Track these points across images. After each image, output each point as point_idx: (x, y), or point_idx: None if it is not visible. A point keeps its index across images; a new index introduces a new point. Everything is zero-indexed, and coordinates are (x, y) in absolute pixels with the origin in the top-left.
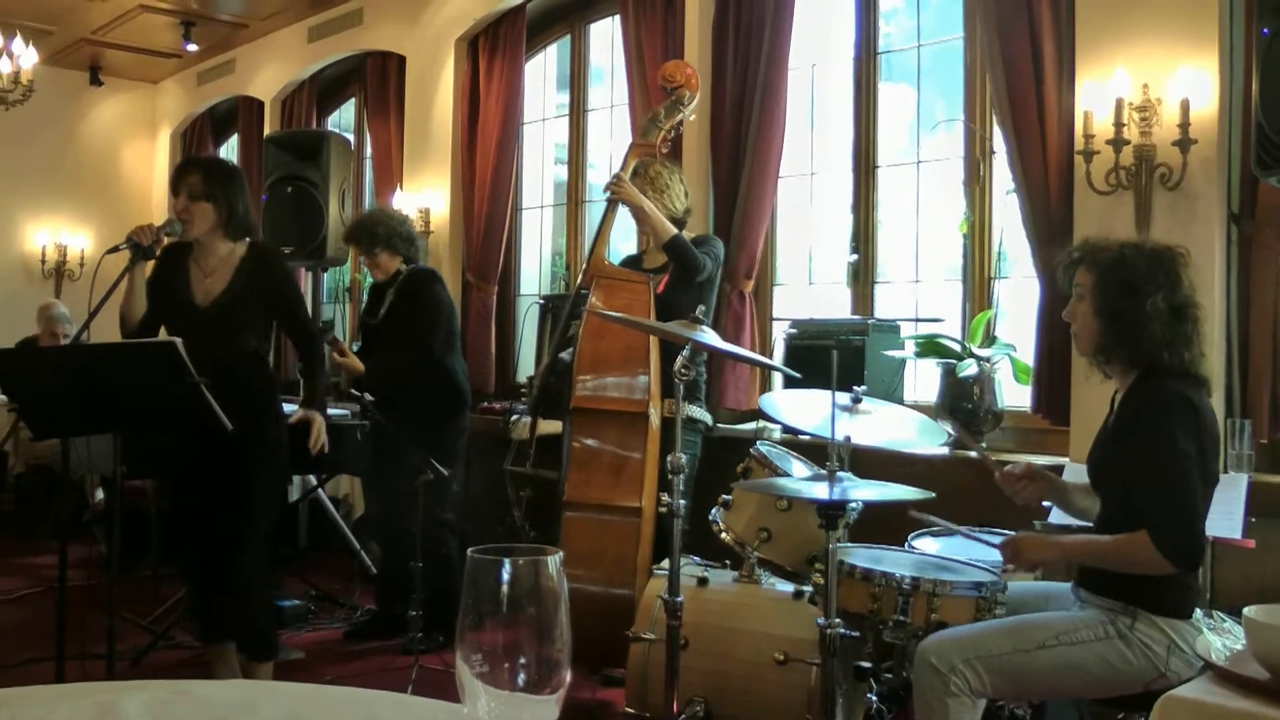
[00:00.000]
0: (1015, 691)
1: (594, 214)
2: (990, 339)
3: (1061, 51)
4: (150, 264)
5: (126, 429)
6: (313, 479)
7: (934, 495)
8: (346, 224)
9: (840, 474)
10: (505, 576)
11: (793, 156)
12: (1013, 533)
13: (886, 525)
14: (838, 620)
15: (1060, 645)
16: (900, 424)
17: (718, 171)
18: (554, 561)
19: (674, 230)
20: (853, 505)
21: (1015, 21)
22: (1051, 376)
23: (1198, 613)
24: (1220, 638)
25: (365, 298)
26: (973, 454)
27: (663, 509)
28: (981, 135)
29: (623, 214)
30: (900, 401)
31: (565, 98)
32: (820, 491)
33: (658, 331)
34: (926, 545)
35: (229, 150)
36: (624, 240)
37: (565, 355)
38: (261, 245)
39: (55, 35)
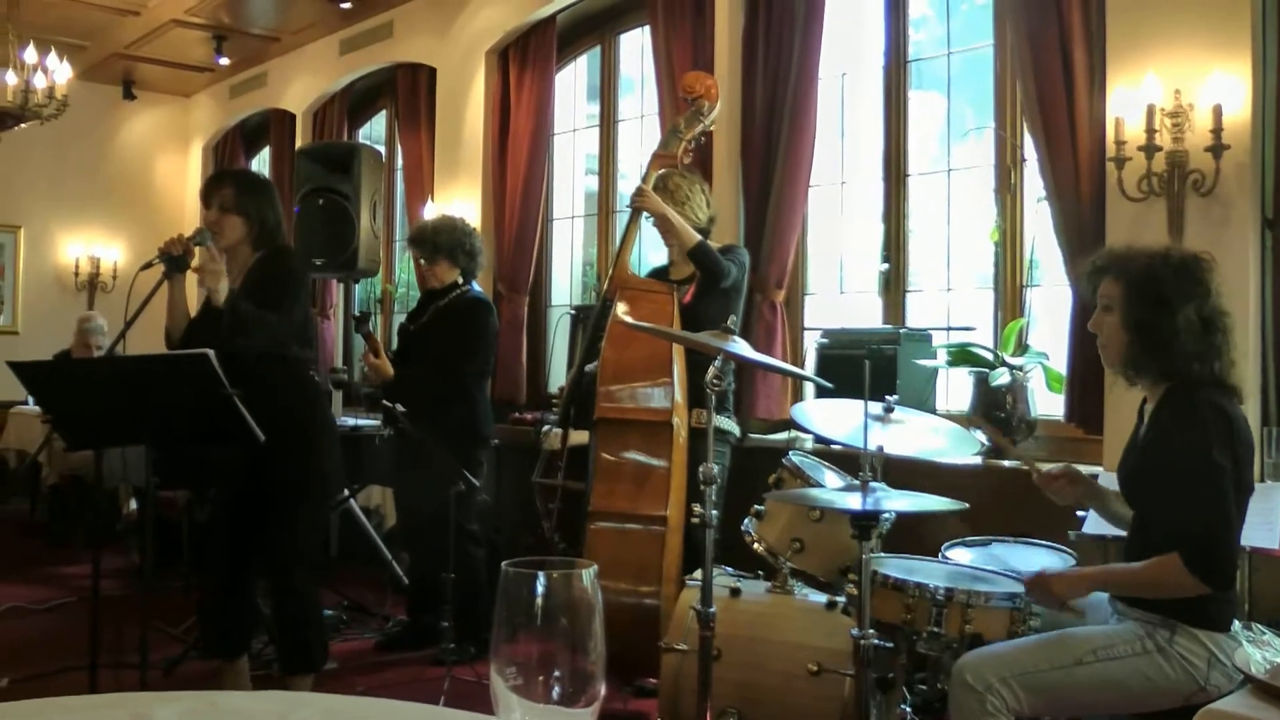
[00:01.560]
0: (1052, 709)
1: (624, 224)
2: (1023, 347)
3: (1092, 58)
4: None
5: (160, 440)
6: (344, 490)
7: (967, 506)
8: (404, 232)
9: (873, 484)
10: (540, 589)
11: (823, 165)
12: (1044, 545)
13: (920, 535)
14: (871, 631)
15: (1098, 661)
16: (933, 433)
17: (748, 181)
18: (588, 574)
19: (698, 237)
20: (886, 515)
21: (1045, 28)
22: (1084, 384)
23: (1236, 624)
24: (1260, 650)
25: (395, 306)
26: (1006, 464)
27: (695, 520)
28: (1012, 143)
29: (650, 226)
30: (932, 411)
31: (595, 108)
32: (853, 502)
33: (690, 342)
34: (960, 556)
35: (260, 163)
36: (656, 250)
37: (591, 366)
38: (275, 248)
39: (89, 50)
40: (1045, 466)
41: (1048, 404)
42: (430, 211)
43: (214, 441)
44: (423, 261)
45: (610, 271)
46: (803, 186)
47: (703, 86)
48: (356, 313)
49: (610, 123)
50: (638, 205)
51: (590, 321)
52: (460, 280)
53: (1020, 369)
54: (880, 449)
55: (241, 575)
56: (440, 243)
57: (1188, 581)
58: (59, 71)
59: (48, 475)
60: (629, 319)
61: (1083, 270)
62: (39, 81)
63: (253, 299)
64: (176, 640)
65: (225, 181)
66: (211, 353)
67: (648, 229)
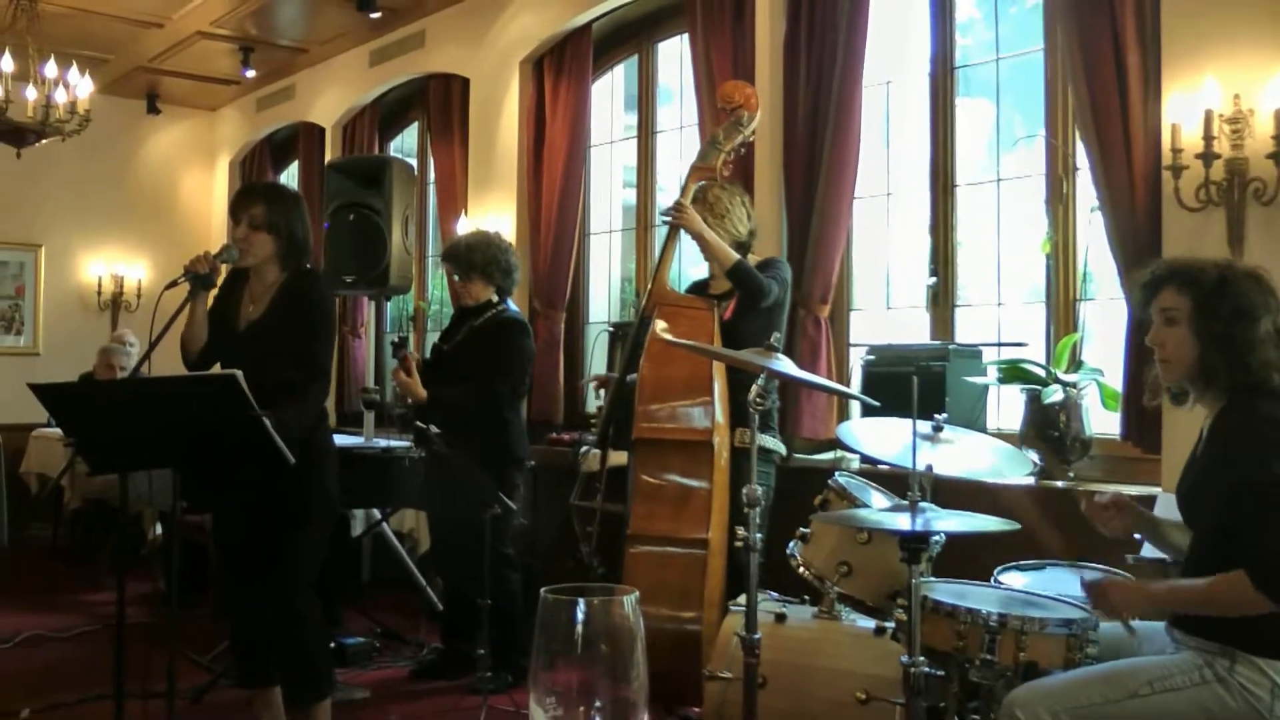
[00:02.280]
0: None
1: (663, 238)
2: (1076, 363)
3: (1147, 62)
4: (212, 293)
5: (186, 463)
6: (376, 513)
7: (1019, 527)
8: (437, 248)
9: (922, 505)
10: (580, 616)
11: (868, 176)
12: (1101, 569)
13: (971, 559)
14: (922, 658)
15: (1154, 693)
16: (983, 453)
17: (791, 193)
18: (629, 600)
19: (735, 256)
20: (936, 538)
21: (1098, 31)
22: (1141, 402)
23: None
24: None
25: (429, 324)
26: (1060, 484)
27: (738, 543)
28: (1064, 151)
29: (689, 239)
30: (983, 430)
31: (633, 119)
32: (902, 523)
33: (732, 359)
34: (1014, 580)
35: (289, 178)
36: (696, 264)
37: (629, 384)
38: (303, 269)
39: (112, 64)
40: (1099, 488)
41: (1103, 422)
42: (463, 226)
43: (240, 465)
44: (456, 278)
45: (649, 287)
46: (847, 198)
47: (742, 95)
48: (395, 338)
49: (648, 134)
50: (675, 221)
51: (630, 339)
52: (495, 298)
53: (1074, 386)
54: (929, 469)
55: (260, 601)
56: (475, 260)
57: (1254, 599)
58: (81, 86)
59: (70, 499)
60: (668, 336)
61: (1138, 281)
62: (60, 96)
63: (285, 327)
64: (204, 668)
65: (256, 197)
66: (240, 374)
67: (688, 242)
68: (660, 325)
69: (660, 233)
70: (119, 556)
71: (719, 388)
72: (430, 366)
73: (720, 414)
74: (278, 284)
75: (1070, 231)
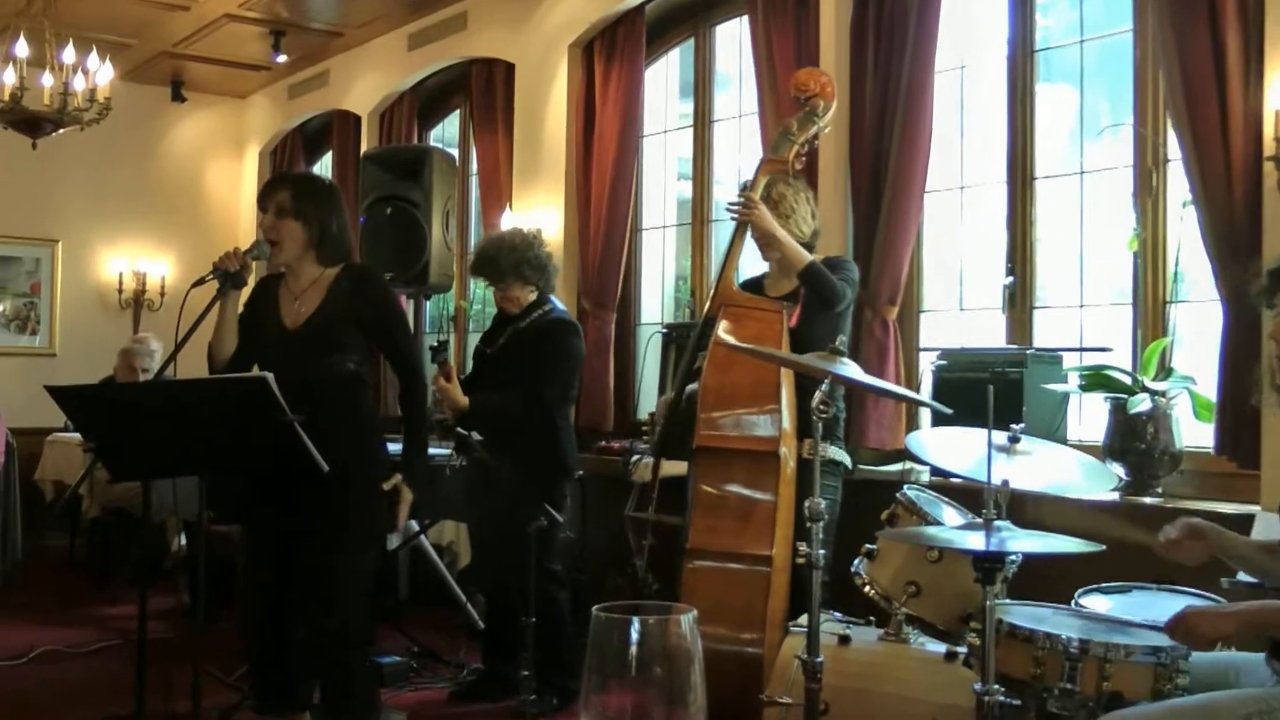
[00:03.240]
0: None
1: (720, 234)
2: (1166, 370)
3: (1248, 43)
4: (243, 294)
5: (213, 471)
6: (414, 525)
7: (1104, 548)
8: (471, 250)
9: (997, 522)
10: (634, 636)
11: (940, 168)
12: (1191, 593)
13: (1050, 580)
14: (996, 686)
15: None
16: (1064, 466)
17: (857, 187)
18: (687, 619)
19: (808, 257)
20: (1012, 557)
21: (1193, 10)
22: (1237, 412)
23: None
24: None
25: (470, 325)
26: (1148, 500)
27: (800, 560)
28: (1154, 141)
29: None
30: (1063, 441)
31: (689, 107)
32: (975, 541)
33: (794, 364)
34: (1097, 603)
35: (323, 169)
36: (756, 262)
37: (692, 387)
38: (358, 264)
39: (134, 49)
40: (1189, 506)
41: (1195, 434)
42: (508, 220)
43: (272, 471)
44: (493, 288)
45: (715, 287)
46: (917, 192)
47: (817, 84)
48: (434, 342)
49: (705, 123)
50: (744, 217)
51: (691, 342)
52: (536, 297)
53: (1163, 395)
54: (1005, 483)
55: (295, 620)
56: (504, 263)
57: None
58: (101, 72)
59: (88, 508)
60: (731, 340)
61: (1264, 269)
62: (79, 84)
63: (350, 324)
64: (231, 687)
65: (283, 184)
66: (270, 376)
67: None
68: (723, 328)
69: (718, 228)
70: (140, 568)
71: (786, 395)
72: (474, 372)
73: (787, 422)
74: (329, 279)
75: (1160, 227)
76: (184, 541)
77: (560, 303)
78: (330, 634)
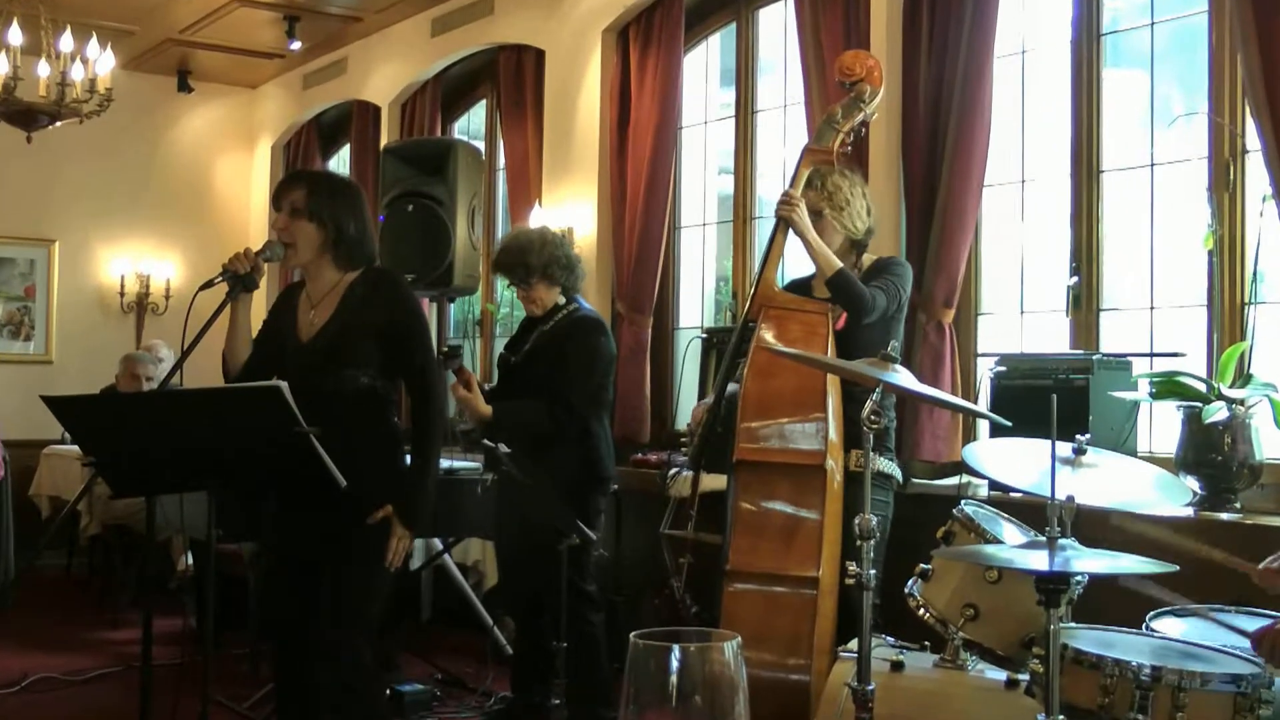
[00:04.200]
0: None
1: (765, 232)
2: (1245, 377)
3: None
4: (264, 300)
5: (222, 486)
6: (438, 543)
7: (1177, 568)
8: (495, 248)
9: (1061, 540)
10: (674, 664)
11: (1000, 161)
12: (1274, 615)
13: (1119, 603)
14: (1061, 717)
15: None
16: (1133, 480)
17: (910, 181)
18: (730, 646)
19: (838, 264)
20: (1077, 578)
21: None
22: None
23: None
24: None
25: (497, 330)
26: (1224, 517)
27: (849, 580)
28: (1231, 130)
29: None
30: (1133, 453)
31: (730, 96)
32: (1038, 561)
33: (842, 370)
34: (1170, 627)
35: (340, 163)
36: (799, 259)
37: (732, 393)
38: (379, 269)
39: (138, 36)
40: (1270, 522)
41: (1276, 445)
42: (537, 218)
43: (283, 488)
44: (516, 289)
45: (753, 288)
46: (975, 186)
47: (863, 68)
48: (445, 347)
49: (748, 113)
50: (784, 215)
51: (731, 347)
52: (562, 299)
53: (1241, 403)
54: (1070, 498)
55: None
56: (532, 262)
57: None
58: (101, 61)
59: (87, 525)
60: (773, 343)
61: None
62: (77, 73)
63: (366, 334)
64: (242, 716)
65: (298, 182)
66: (284, 385)
67: (795, 238)
68: (765, 332)
69: (761, 226)
70: (144, 589)
71: (833, 403)
72: (500, 382)
73: (834, 433)
74: (345, 284)
75: (1238, 224)
76: (191, 560)
77: (586, 303)
78: (342, 659)
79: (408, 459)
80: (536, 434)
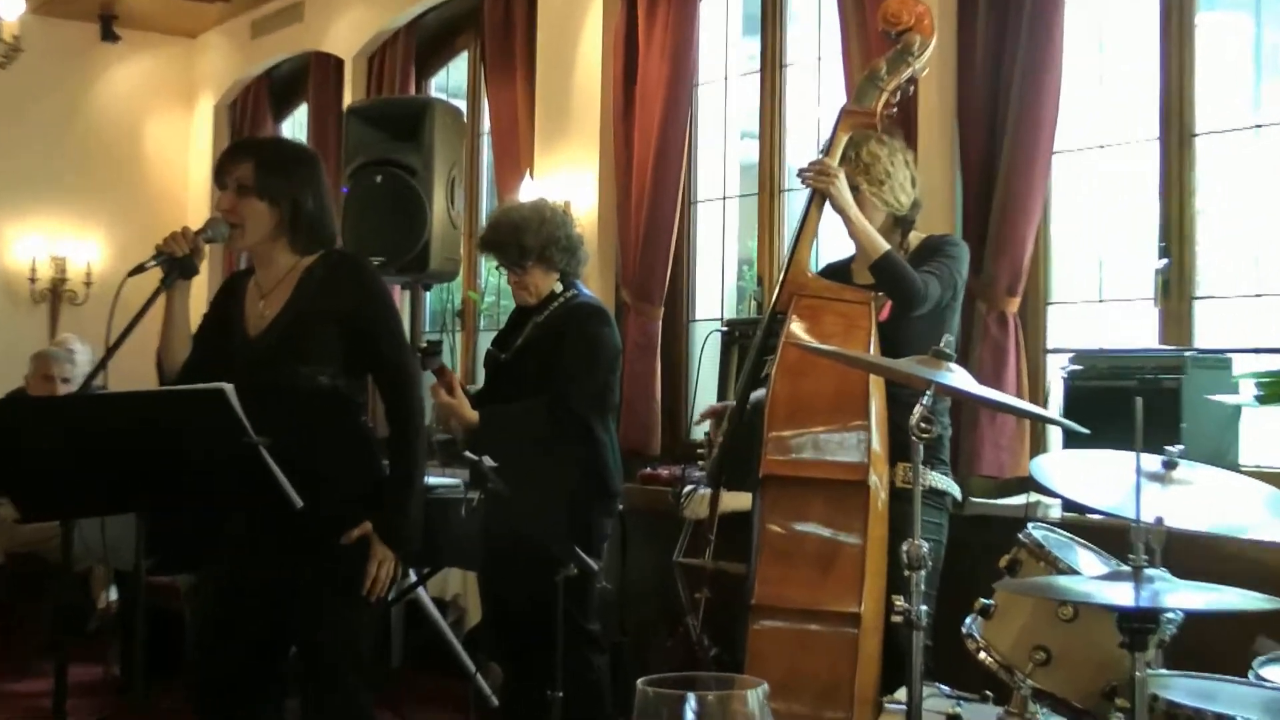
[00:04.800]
0: None
1: (794, 207)
2: None
3: None
4: (192, 284)
5: (154, 507)
6: (410, 574)
7: None
8: (481, 226)
9: (1149, 570)
10: (690, 715)
11: (1073, 123)
12: None
13: (1218, 645)
14: None
15: None
16: (1235, 499)
17: (967, 148)
18: (755, 695)
19: (884, 246)
20: (1169, 615)
21: None
22: None
23: None
24: None
25: (481, 322)
26: None
27: (896, 617)
28: None
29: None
30: (1234, 467)
31: (754, 47)
32: (1121, 595)
33: (886, 370)
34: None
35: (296, 127)
36: (832, 239)
37: (757, 397)
38: (340, 251)
39: None
40: None
41: None
42: (528, 190)
43: (229, 509)
44: (507, 273)
45: (782, 273)
46: (1043, 154)
47: (912, 15)
48: (423, 343)
49: (775, 67)
50: (820, 187)
51: (756, 342)
52: (560, 286)
53: None
54: (1159, 520)
55: (263, 690)
56: (528, 243)
57: None
58: (8, 5)
59: None
60: (806, 339)
61: None
62: None
63: (351, 335)
64: None
65: (244, 153)
66: (229, 388)
67: (831, 213)
68: (796, 325)
69: (791, 200)
70: (58, 631)
71: (876, 409)
72: (488, 382)
73: (878, 443)
74: (301, 270)
75: None
76: (115, 596)
77: (587, 289)
78: (327, 698)
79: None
80: (531, 442)
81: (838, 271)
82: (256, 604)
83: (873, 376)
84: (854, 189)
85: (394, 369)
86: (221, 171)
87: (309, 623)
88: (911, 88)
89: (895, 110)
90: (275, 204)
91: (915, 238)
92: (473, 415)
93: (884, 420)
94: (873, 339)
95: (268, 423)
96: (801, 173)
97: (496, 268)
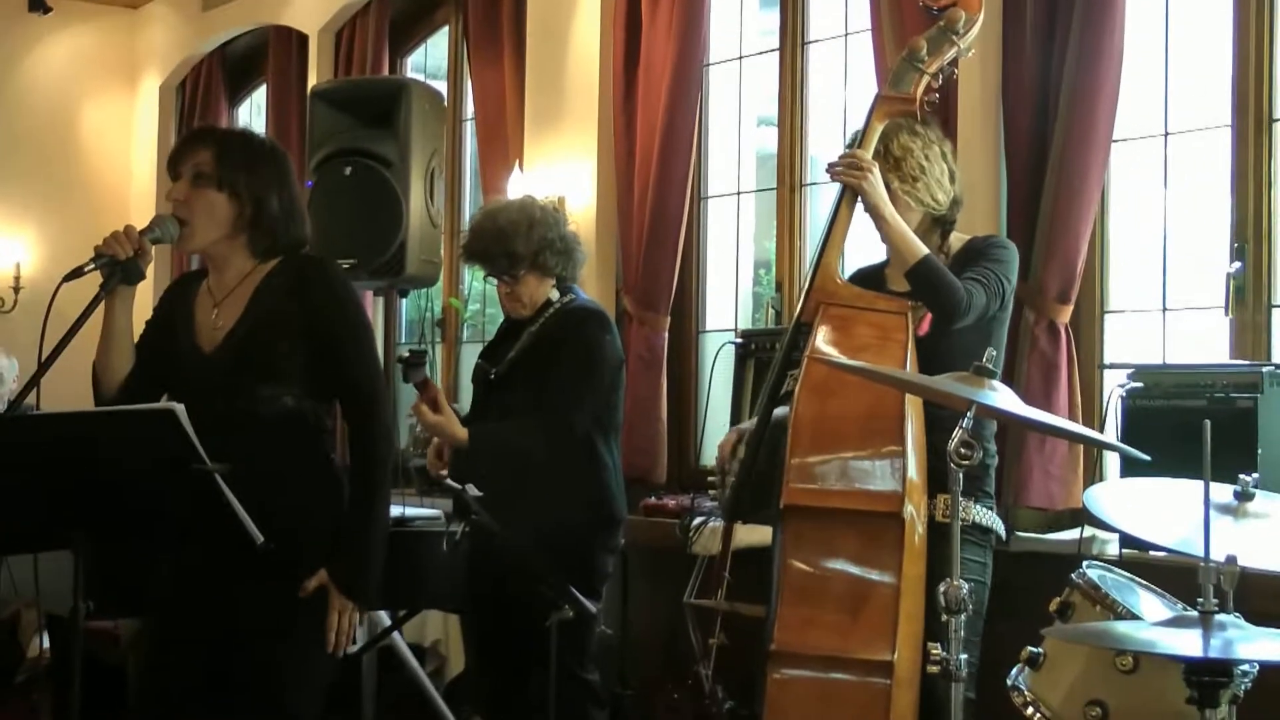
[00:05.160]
0: None
1: (818, 203)
2: None
3: None
4: (136, 290)
5: (94, 541)
6: (384, 618)
7: None
8: (463, 229)
9: (1220, 616)
10: None
11: (1133, 108)
12: None
13: None
14: None
15: None
16: None
17: (1013, 136)
18: None
19: (922, 250)
20: (1243, 667)
21: None
22: None
23: None
24: None
25: (464, 332)
26: None
27: (933, 667)
28: None
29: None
30: None
31: (773, 21)
32: (1188, 644)
33: (922, 389)
34: None
35: (253, 111)
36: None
37: (780, 415)
38: (304, 255)
39: None
40: None
41: None
42: (516, 186)
43: (176, 543)
44: (498, 282)
45: (809, 279)
46: (1101, 144)
47: None
48: (405, 351)
49: (796, 45)
50: (851, 183)
51: (778, 357)
52: (554, 295)
53: None
54: (1231, 559)
55: None
56: (518, 249)
57: None
58: None
59: None
60: (832, 352)
61: None
62: None
63: (314, 347)
64: None
65: (203, 140)
66: (180, 408)
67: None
68: (823, 337)
69: (814, 195)
70: None
71: (913, 432)
72: (476, 401)
73: (914, 471)
74: (260, 276)
75: None
76: (47, 644)
77: (584, 294)
78: None
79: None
80: (525, 463)
81: (870, 277)
82: (199, 653)
83: (910, 396)
84: (885, 187)
85: (357, 388)
86: (176, 161)
87: (261, 674)
88: (954, 70)
89: (937, 96)
90: (235, 197)
91: (956, 240)
92: (462, 433)
93: (922, 446)
94: (910, 354)
95: (225, 448)
96: (831, 166)
97: (485, 278)
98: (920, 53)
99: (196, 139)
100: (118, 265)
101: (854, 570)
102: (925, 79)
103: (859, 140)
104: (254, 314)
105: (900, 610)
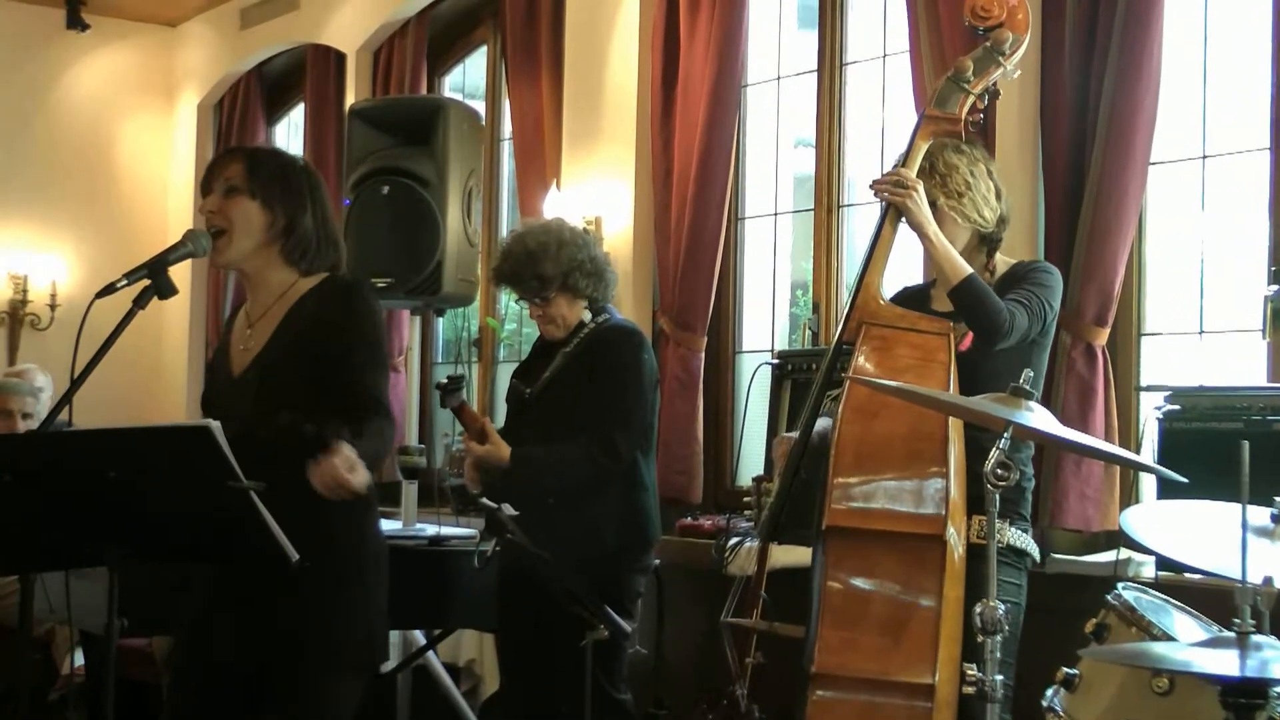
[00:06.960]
0: None
1: (855, 223)
2: None
3: None
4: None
5: (129, 559)
6: (419, 637)
7: None
8: (496, 249)
9: (1257, 638)
10: None
11: (1172, 129)
12: None
13: None
14: None
15: None
16: None
17: (1051, 160)
18: None
19: (966, 270)
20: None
21: None
22: None
23: None
24: None
25: (500, 352)
26: None
27: (968, 689)
28: None
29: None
30: None
31: (811, 43)
32: (1225, 664)
33: (954, 409)
34: None
35: (291, 130)
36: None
37: (818, 434)
38: (338, 277)
39: None
40: None
41: None
42: (553, 206)
43: (212, 560)
44: (529, 305)
45: (850, 300)
46: (1138, 165)
47: (1004, 8)
48: (443, 378)
49: (834, 67)
50: (896, 201)
51: (819, 378)
52: (587, 317)
53: None
54: (1268, 580)
55: None
56: (547, 271)
57: None
58: None
59: None
60: (872, 373)
61: None
62: None
63: (322, 363)
64: None
65: (234, 156)
66: (215, 425)
67: (906, 232)
68: (864, 358)
69: (851, 214)
70: (15, 702)
71: (955, 454)
72: (510, 421)
73: (956, 493)
74: (296, 295)
75: None
76: (81, 662)
77: (619, 314)
78: None
79: (384, 525)
80: (563, 486)
81: (914, 297)
82: (232, 671)
83: (953, 418)
84: (931, 204)
85: (359, 392)
86: (209, 180)
87: (293, 692)
88: (997, 90)
89: (981, 117)
90: (268, 206)
91: (1002, 262)
92: (504, 454)
93: (962, 467)
94: (951, 375)
95: (255, 472)
96: (876, 184)
97: (517, 301)
98: (966, 73)
99: (227, 156)
100: (154, 278)
101: (895, 592)
102: (970, 99)
103: (903, 159)
104: (281, 339)
105: (941, 633)
